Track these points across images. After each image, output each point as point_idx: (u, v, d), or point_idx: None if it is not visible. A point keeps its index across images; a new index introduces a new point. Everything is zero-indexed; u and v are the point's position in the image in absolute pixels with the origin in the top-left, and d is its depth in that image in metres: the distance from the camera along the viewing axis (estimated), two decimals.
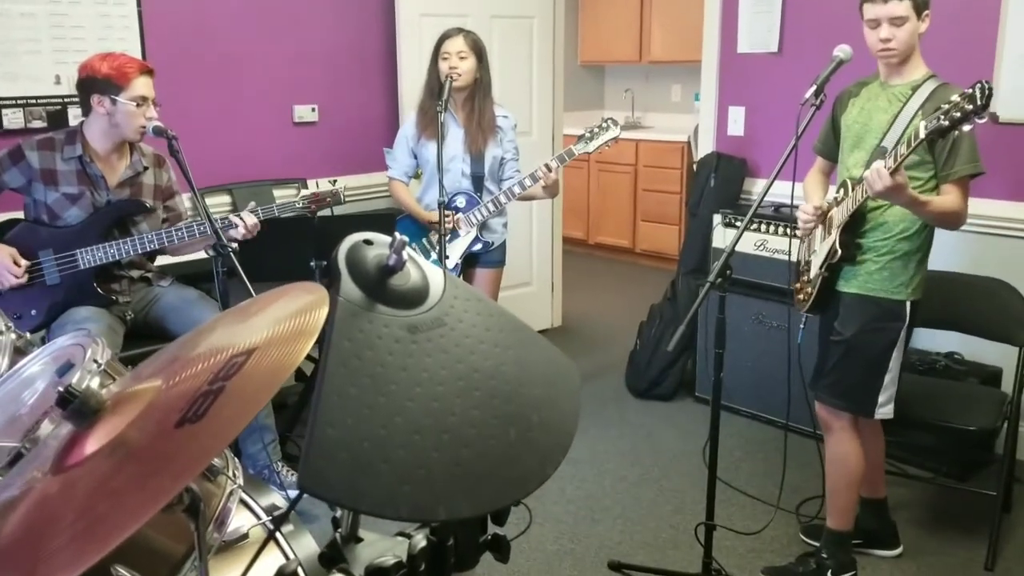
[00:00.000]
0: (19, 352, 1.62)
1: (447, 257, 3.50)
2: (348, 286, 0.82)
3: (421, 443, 0.77)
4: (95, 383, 1.28)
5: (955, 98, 2.17)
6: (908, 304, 2.63)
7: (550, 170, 3.42)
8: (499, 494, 0.80)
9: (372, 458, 0.74)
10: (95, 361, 1.28)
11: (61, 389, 0.95)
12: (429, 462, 0.77)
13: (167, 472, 0.78)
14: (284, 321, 0.93)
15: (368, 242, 0.86)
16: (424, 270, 0.90)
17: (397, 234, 0.85)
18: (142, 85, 2.86)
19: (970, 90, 2.14)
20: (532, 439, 0.85)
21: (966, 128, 2.18)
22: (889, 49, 2.51)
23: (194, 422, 0.81)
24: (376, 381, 0.77)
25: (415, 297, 0.86)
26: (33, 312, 2.93)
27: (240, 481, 1.28)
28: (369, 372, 0.77)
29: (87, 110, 2.94)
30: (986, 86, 2.12)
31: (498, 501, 0.81)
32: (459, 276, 3.65)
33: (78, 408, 0.94)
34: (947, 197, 2.50)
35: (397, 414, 0.77)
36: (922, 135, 2.24)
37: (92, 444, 0.94)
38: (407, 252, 0.87)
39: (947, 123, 2.18)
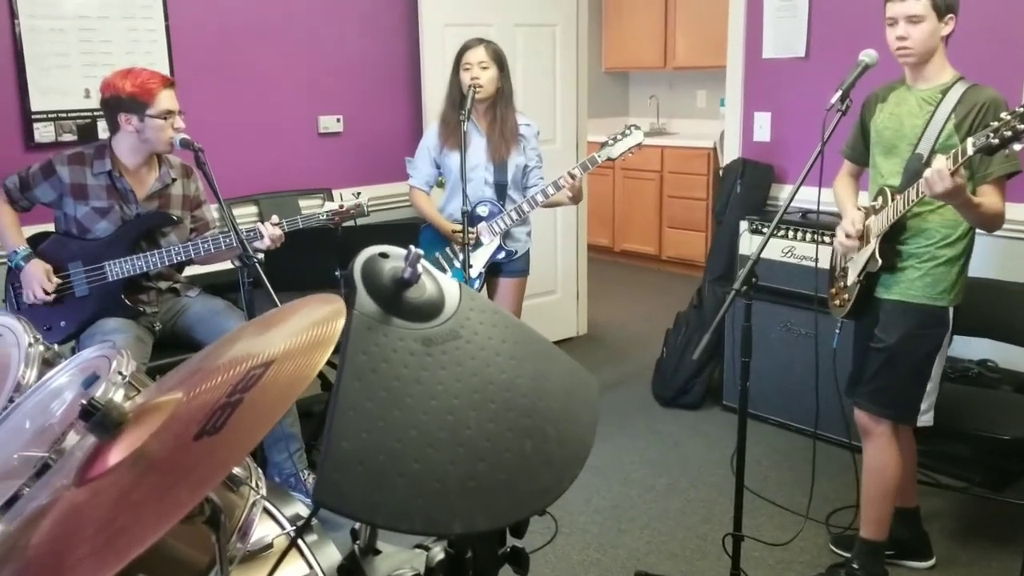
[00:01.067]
0: (47, 363, 1.64)
1: (470, 267, 3.50)
2: (364, 299, 0.82)
3: (436, 456, 0.77)
4: (119, 395, 1.31)
5: (1005, 116, 2.14)
6: (951, 310, 2.60)
7: (573, 178, 3.41)
8: (515, 507, 0.80)
9: (387, 471, 0.74)
10: (120, 373, 1.30)
11: (84, 402, 0.95)
12: (444, 475, 0.76)
13: (185, 485, 0.79)
14: (301, 333, 0.93)
15: (384, 255, 0.86)
16: (439, 283, 0.90)
17: (412, 247, 0.85)
18: (166, 99, 2.90)
19: (1021, 108, 2.11)
20: (548, 452, 0.84)
21: (1017, 147, 2.14)
22: (905, 47, 2.49)
23: (212, 434, 0.81)
24: (391, 394, 0.77)
25: (430, 310, 0.86)
26: (63, 323, 2.97)
27: (263, 491, 1.28)
28: (384, 385, 0.77)
29: (114, 128, 2.97)
30: None
31: (514, 515, 0.80)
32: (482, 285, 3.66)
33: (100, 420, 0.95)
34: (991, 199, 2.47)
35: (412, 427, 0.77)
36: (970, 151, 2.21)
37: (114, 456, 0.95)
38: (422, 265, 0.87)
39: (997, 141, 2.15)
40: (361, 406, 0.75)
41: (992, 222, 2.51)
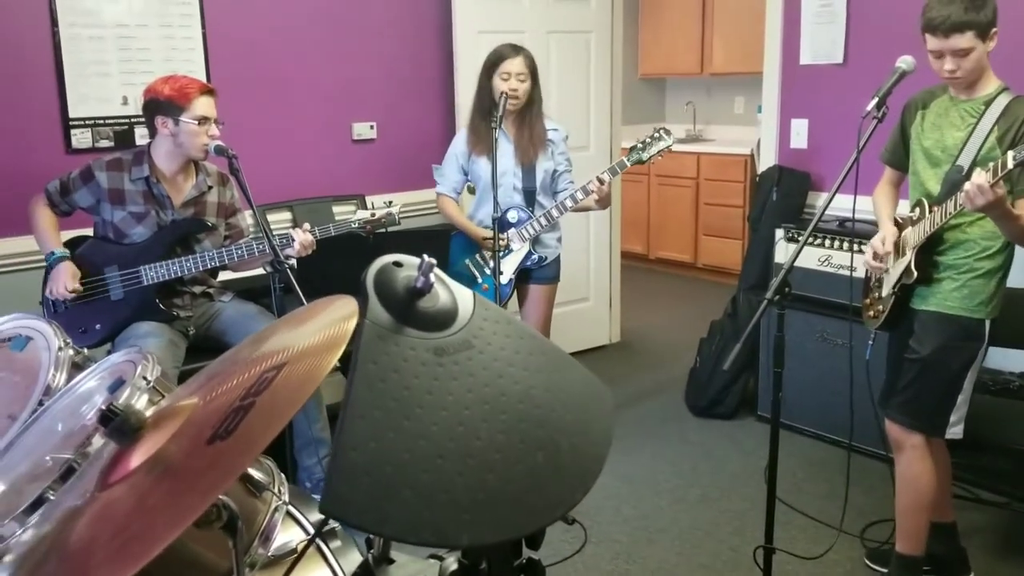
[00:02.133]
0: (77, 367, 1.67)
1: (500, 273, 3.50)
2: (376, 308, 0.81)
3: (445, 468, 0.76)
4: (143, 400, 1.32)
5: None
6: (987, 323, 2.55)
7: (602, 183, 3.39)
8: (525, 520, 0.79)
9: (395, 482, 0.73)
10: (144, 378, 1.31)
11: (103, 407, 0.96)
12: (453, 487, 0.76)
13: (196, 490, 0.79)
14: (314, 334, 0.93)
15: (397, 264, 0.86)
16: (453, 292, 0.89)
17: (426, 256, 0.85)
18: (203, 105, 2.93)
19: None
20: (561, 465, 0.83)
21: None
22: (955, 78, 2.44)
23: (224, 439, 0.82)
24: (401, 404, 0.77)
25: (443, 319, 0.85)
26: (98, 326, 3.01)
27: (285, 497, 1.29)
28: (394, 395, 0.77)
29: (153, 132, 3.02)
30: None
31: (524, 527, 0.79)
32: (512, 291, 3.65)
33: (119, 426, 0.96)
34: None
35: (421, 438, 0.76)
36: (1010, 165, 2.18)
37: (134, 461, 0.95)
38: (435, 274, 0.86)
39: None
40: (370, 416, 0.75)
41: None
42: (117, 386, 1.35)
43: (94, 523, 0.89)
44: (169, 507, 0.79)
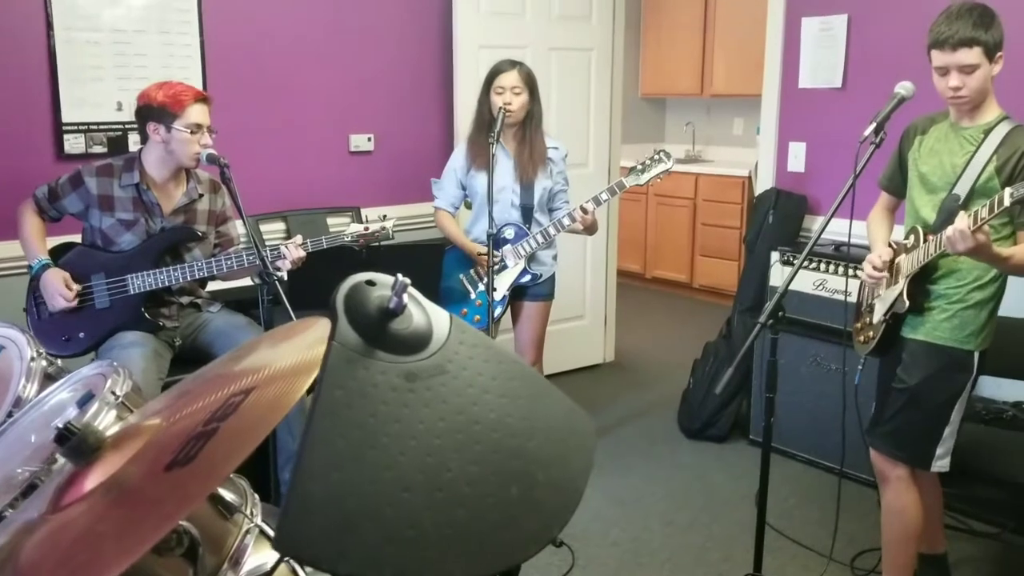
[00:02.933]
0: (49, 378, 1.62)
1: (494, 289, 3.47)
2: (345, 329, 0.77)
3: (411, 501, 0.72)
4: (111, 416, 1.27)
5: None
6: (976, 355, 2.50)
7: (586, 212, 3.38)
8: (495, 558, 0.74)
9: (356, 516, 0.69)
10: (113, 393, 1.27)
11: (60, 425, 0.92)
12: (419, 522, 0.71)
13: (149, 519, 0.75)
14: (287, 356, 0.89)
15: (371, 283, 0.82)
16: (428, 313, 0.85)
17: (399, 275, 0.81)
18: (196, 113, 2.90)
19: None
20: (535, 499, 0.79)
21: None
22: (960, 97, 2.40)
23: (183, 465, 0.77)
24: (366, 433, 0.73)
25: (416, 342, 0.81)
26: (82, 335, 2.97)
27: (258, 519, 1.24)
28: (359, 423, 0.73)
29: (144, 138, 2.99)
30: None
31: (494, 565, 0.75)
32: (506, 308, 3.62)
33: (76, 446, 0.92)
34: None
35: (387, 469, 0.72)
36: (1007, 203, 2.13)
37: (89, 483, 0.91)
38: (410, 294, 0.83)
39: None
40: (332, 444, 0.71)
41: None
42: (86, 400, 1.31)
43: (42, 547, 0.85)
44: (120, 536, 0.75)
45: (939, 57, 2.38)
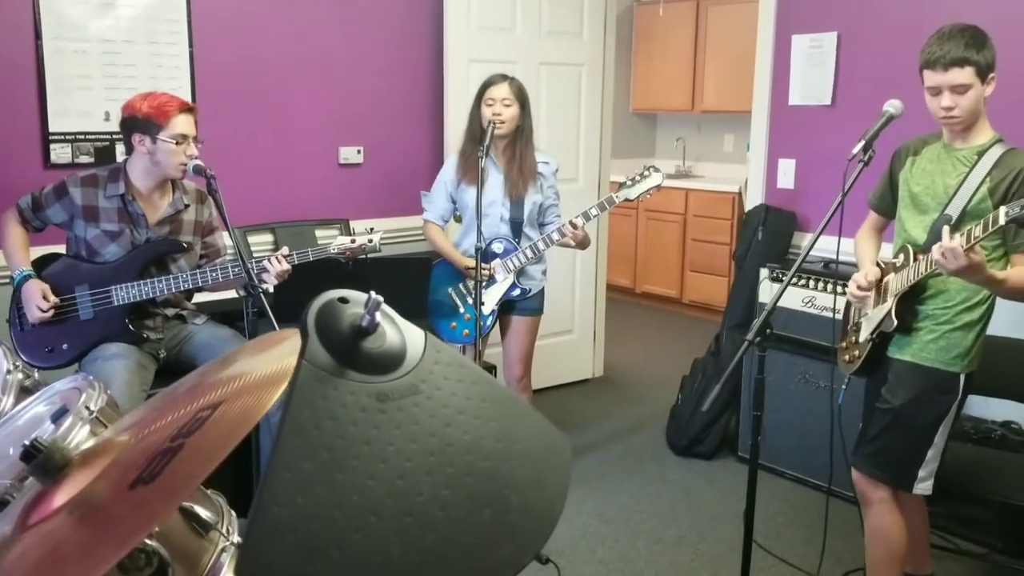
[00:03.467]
0: (26, 391, 1.60)
1: (482, 304, 3.46)
2: (315, 348, 0.75)
3: (380, 527, 0.70)
4: (84, 431, 1.25)
5: None
6: (962, 377, 2.48)
7: (575, 227, 3.37)
8: None
9: (322, 542, 0.67)
10: (87, 407, 1.24)
11: (26, 442, 0.90)
12: (388, 548, 0.69)
13: (111, 539, 0.73)
14: (257, 370, 0.87)
15: (343, 300, 0.80)
16: (402, 331, 0.83)
17: (373, 293, 0.79)
18: (182, 123, 2.88)
19: None
20: (509, 523, 0.77)
21: None
22: (952, 117, 2.39)
23: (147, 483, 0.75)
24: (334, 455, 0.71)
25: (389, 361, 0.79)
26: (65, 346, 2.94)
27: (235, 536, 1.22)
28: (328, 445, 0.71)
29: (130, 149, 2.97)
30: None
31: None
32: (495, 322, 3.60)
33: (42, 464, 0.89)
34: (1020, 269, 2.36)
35: (355, 493, 0.70)
36: (1002, 221, 2.12)
37: (57, 501, 0.89)
38: (383, 312, 0.81)
39: None
40: (298, 467, 0.69)
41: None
42: (61, 414, 1.29)
43: (10, 569, 0.82)
44: (83, 556, 0.73)
45: (931, 77, 2.37)
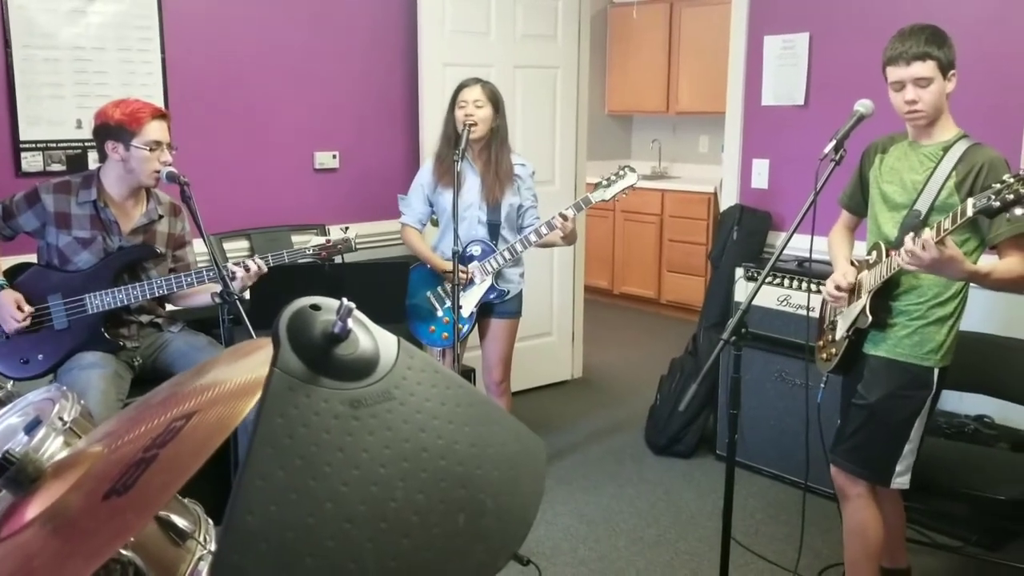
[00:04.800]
0: None
1: (460, 307, 3.46)
2: (287, 356, 0.75)
3: (354, 533, 0.70)
4: (58, 442, 1.24)
5: (1008, 179, 2.08)
6: (936, 371, 2.52)
7: (566, 219, 3.36)
8: None
9: (296, 550, 0.67)
10: (60, 418, 1.23)
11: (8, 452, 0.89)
12: (362, 554, 0.70)
13: (84, 551, 0.72)
14: (233, 378, 0.87)
15: (315, 307, 0.81)
16: (375, 337, 0.83)
17: (344, 299, 0.80)
18: (155, 130, 2.87)
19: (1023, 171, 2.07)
20: (484, 527, 0.78)
21: (1018, 212, 2.08)
22: (916, 111, 2.44)
23: (120, 494, 0.75)
24: (307, 463, 0.71)
25: (362, 368, 0.79)
26: (40, 357, 2.91)
27: (212, 545, 1.21)
28: (300, 452, 0.71)
29: (103, 156, 2.95)
30: None
31: None
32: (473, 326, 3.60)
33: (14, 476, 0.89)
34: (1008, 261, 2.39)
35: (329, 500, 0.70)
36: (969, 212, 2.15)
37: (29, 513, 0.89)
38: (355, 318, 0.81)
39: (998, 204, 2.09)
40: (271, 475, 0.69)
41: (1016, 285, 2.42)
42: (34, 426, 1.27)
43: None
44: (56, 569, 0.72)
45: (894, 72, 2.43)
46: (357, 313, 0.80)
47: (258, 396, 0.78)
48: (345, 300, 0.79)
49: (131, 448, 0.83)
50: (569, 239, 3.49)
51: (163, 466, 0.75)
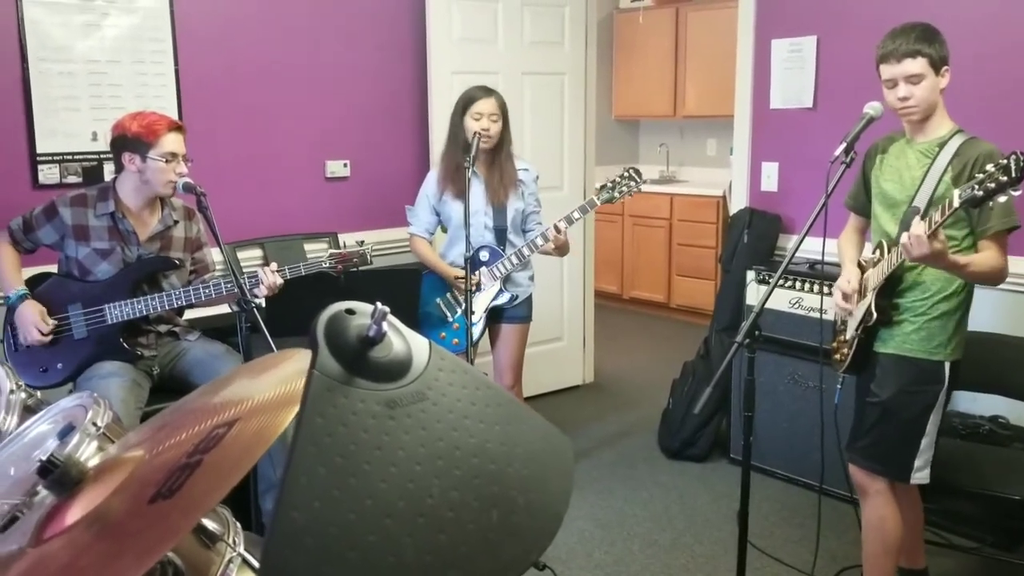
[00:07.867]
0: (29, 411, 1.61)
1: (472, 312, 3.48)
2: (325, 358, 0.78)
3: (393, 528, 0.73)
4: (92, 447, 1.27)
5: (990, 168, 2.11)
6: (947, 365, 2.54)
7: (558, 231, 3.39)
8: None
9: (339, 545, 0.70)
10: (94, 424, 1.26)
11: (43, 457, 0.92)
12: (401, 549, 0.72)
13: (132, 552, 0.75)
14: (269, 389, 0.90)
15: (350, 312, 0.83)
16: (408, 340, 0.86)
17: (379, 304, 0.82)
18: (171, 142, 2.90)
19: (1005, 161, 2.09)
20: (516, 523, 0.80)
21: (1001, 199, 2.11)
22: (908, 107, 2.48)
23: (167, 498, 0.78)
24: (348, 461, 0.73)
25: (397, 369, 0.82)
26: (59, 366, 2.95)
27: (240, 548, 1.24)
28: (341, 451, 0.73)
29: (119, 168, 2.99)
30: (1021, 158, 2.06)
31: None
32: (484, 331, 3.63)
33: (59, 478, 0.92)
34: (986, 254, 2.43)
35: (368, 497, 0.73)
36: (956, 204, 2.19)
37: (71, 516, 0.91)
38: (389, 322, 0.84)
39: (981, 193, 2.12)
40: (314, 473, 0.72)
41: (990, 277, 2.47)
42: (67, 432, 1.30)
43: None
44: (103, 570, 0.75)
45: (887, 70, 2.48)
46: (390, 317, 0.83)
47: (295, 409, 0.81)
48: (380, 304, 0.81)
49: (174, 454, 0.86)
50: (561, 251, 3.52)
51: (208, 471, 0.77)
